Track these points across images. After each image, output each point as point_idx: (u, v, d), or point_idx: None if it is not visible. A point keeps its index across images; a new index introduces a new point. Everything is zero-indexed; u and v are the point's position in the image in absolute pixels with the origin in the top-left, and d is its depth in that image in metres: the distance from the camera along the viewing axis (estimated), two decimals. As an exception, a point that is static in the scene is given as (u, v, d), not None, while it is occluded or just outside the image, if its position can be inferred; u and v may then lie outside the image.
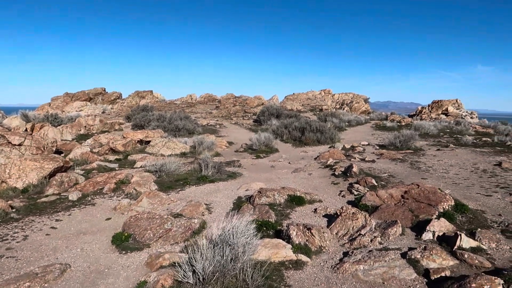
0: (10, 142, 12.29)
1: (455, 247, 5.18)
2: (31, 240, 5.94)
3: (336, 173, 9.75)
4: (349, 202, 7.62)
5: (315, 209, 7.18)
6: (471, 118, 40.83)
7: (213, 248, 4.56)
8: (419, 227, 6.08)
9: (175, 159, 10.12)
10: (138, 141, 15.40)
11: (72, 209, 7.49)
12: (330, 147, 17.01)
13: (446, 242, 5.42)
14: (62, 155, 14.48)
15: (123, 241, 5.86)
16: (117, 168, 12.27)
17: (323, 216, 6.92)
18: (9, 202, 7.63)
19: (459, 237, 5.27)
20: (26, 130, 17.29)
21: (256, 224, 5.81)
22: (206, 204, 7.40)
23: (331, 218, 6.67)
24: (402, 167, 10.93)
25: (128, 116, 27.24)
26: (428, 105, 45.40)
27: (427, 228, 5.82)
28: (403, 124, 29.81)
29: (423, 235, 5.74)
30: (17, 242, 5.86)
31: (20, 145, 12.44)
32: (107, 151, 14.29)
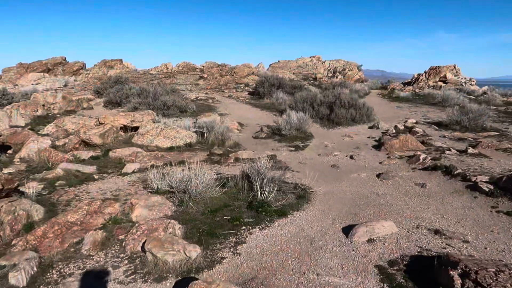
0: None
1: None
2: None
3: (484, 189, 5.67)
4: None
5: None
6: (471, 85, 38.07)
7: None
8: None
9: (199, 167, 5.93)
10: (121, 127, 10.95)
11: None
12: (372, 127, 13.21)
13: None
14: (9, 152, 9.88)
15: None
16: (96, 174, 7.96)
17: None
18: None
19: None
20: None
21: None
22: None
23: None
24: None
25: (97, 90, 22.21)
26: (425, 72, 42.31)
27: None
28: (420, 94, 26.40)
29: None
30: None
31: None
32: (77, 145, 9.82)
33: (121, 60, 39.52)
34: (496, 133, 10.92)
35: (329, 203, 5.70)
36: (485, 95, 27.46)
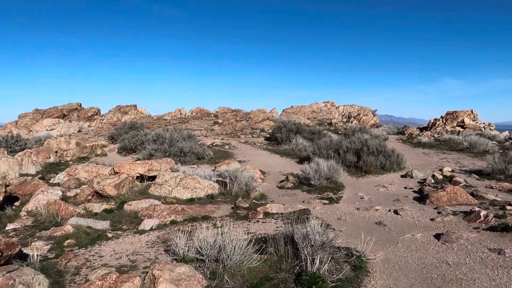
0: None
1: None
2: None
3: None
4: None
5: None
6: (490, 130, 37.06)
7: None
8: None
9: (233, 233, 4.99)
10: (137, 176, 10.15)
11: None
12: (405, 176, 12.21)
13: None
14: (15, 204, 9.08)
15: None
16: (109, 232, 7.05)
17: None
18: None
19: None
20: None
21: None
22: None
23: None
24: None
25: (111, 136, 21.78)
26: (442, 117, 41.60)
27: None
28: (441, 139, 25.50)
29: None
30: None
31: None
32: (89, 196, 8.99)
33: (135, 106, 39.69)
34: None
35: (392, 276, 4.67)
36: (510, 141, 26.43)
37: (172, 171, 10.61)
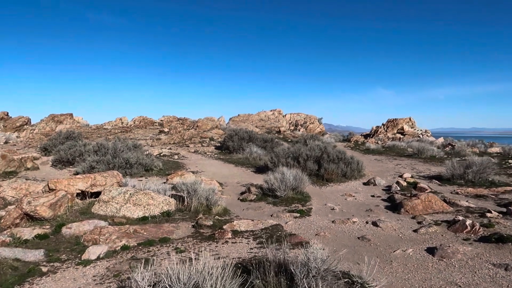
0: None
1: None
2: None
3: None
4: None
5: None
6: (428, 136, 39.07)
7: None
8: None
9: (209, 261, 3.97)
10: (77, 193, 8.66)
11: None
12: (367, 184, 11.84)
13: None
14: None
15: None
16: (44, 264, 5.68)
17: None
18: None
19: None
20: None
21: None
22: None
23: None
24: None
25: (45, 147, 19.47)
26: (383, 124, 43.29)
27: None
28: (386, 146, 26.07)
29: None
30: None
31: None
32: (18, 219, 7.41)
33: (71, 115, 36.70)
34: (511, 188, 9.92)
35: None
36: (449, 146, 27.61)
37: (120, 186, 9.27)
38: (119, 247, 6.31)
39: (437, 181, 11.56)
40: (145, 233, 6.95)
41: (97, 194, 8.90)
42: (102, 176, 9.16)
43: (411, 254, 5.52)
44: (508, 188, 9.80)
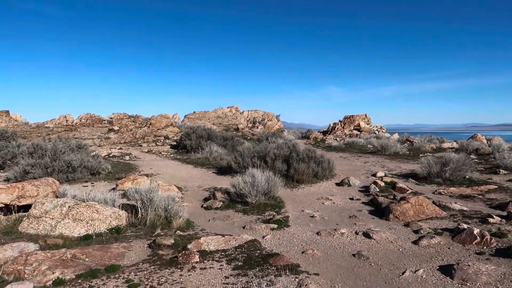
0: None
1: None
2: None
3: None
4: None
5: None
6: (383, 132, 39.61)
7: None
8: None
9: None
10: (0, 207, 6.90)
11: None
12: (341, 184, 10.92)
13: None
14: None
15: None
16: None
17: None
18: None
19: None
20: None
21: None
22: None
23: None
24: None
25: (-30, 148, 16.84)
26: (340, 121, 43.40)
27: None
28: (346, 143, 25.68)
29: None
30: None
31: None
32: None
33: (7, 112, 33.11)
34: (495, 186, 9.37)
35: None
36: (408, 142, 27.61)
37: (57, 196, 7.60)
38: (50, 283, 4.79)
39: (413, 180, 10.88)
40: (87, 259, 5.44)
41: (26, 208, 7.19)
42: (32, 185, 7.43)
43: (424, 277, 4.51)
44: (491, 187, 9.25)
